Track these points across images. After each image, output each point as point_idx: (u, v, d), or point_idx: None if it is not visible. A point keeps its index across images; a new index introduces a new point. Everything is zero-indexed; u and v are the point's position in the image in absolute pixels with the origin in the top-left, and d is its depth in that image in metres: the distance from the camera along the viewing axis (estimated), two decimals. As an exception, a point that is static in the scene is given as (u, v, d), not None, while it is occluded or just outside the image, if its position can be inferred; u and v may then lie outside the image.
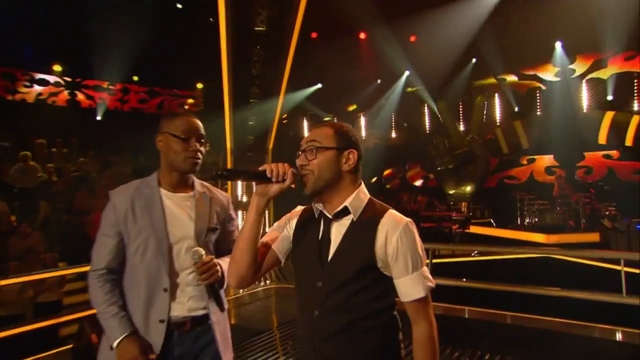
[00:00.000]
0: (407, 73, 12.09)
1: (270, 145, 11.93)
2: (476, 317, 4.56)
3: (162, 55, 10.49)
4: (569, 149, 9.72)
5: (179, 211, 1.64)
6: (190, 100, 13.28)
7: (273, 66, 9.06)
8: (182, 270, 1.60)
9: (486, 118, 10.94)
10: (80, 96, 11.75)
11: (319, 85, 13.20)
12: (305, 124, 14.36)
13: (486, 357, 3.41)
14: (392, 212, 1.29)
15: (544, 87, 10.54)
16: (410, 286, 1.25)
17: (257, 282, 6.89)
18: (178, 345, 1.58)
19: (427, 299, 1.26)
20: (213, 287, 1.58)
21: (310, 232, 1.34)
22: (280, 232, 1.39)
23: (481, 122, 10.89)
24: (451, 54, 10.31)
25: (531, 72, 10.71)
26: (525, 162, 10.99)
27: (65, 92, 11.44)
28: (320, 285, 1.27)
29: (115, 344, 1.50)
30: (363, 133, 13.64)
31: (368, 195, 1.34)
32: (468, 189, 10.65)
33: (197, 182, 1.71)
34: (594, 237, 7.06)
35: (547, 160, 10.69)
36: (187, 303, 1.59)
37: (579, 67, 10.01)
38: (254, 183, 1.25)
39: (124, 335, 1.50)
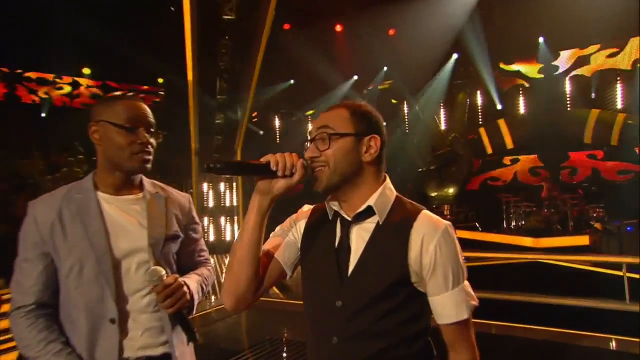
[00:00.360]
0: (385, 69, 12.12)
1: (239, 147, 11.68)
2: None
3: (118, 45, 10.04)
4: (553, 148, 9.98)
5: (125, 218, 1.38)
6: (156, 99, 12.84)
7: (243, 59, 8.84)
8: (134, 294, 1.33)
9: (469, 117, 11.07)
10: (20, 90, 11.10)
11: (292, 82, 13.04)
12: (277, 123, 14.16)
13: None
14: (427, 214, 1.13)
15: (527, 85, 10.80)
16: (451, 306, 1.09)
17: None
18: None
19: (469, 321, 1.11)
20: (181, 314, 1.33)
21: (323, 238, 1.18)
22: (285, 238, 1.23)
23: (463, 120, 11.04)
24: (432, 49, 10.40)
25: (514, 69, 10.97)
26: (508, 162, 11.21)
27: (2, 85, 10.77)
28: (339, 305, 1.10)
29: None
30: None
31: (395, 193, 1.18)
32: (451, 191, 10.75)
33: (147, 182, 1.48)
34: (584, 240, 7.22)
35: (531, 160, 10.95)
36: (140, 339, 1.33)
37: (563, 63, 10.33)
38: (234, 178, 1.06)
39: None
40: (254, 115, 11.65)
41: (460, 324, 1.10)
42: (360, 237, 1.13)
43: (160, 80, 12.35)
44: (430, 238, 1.08)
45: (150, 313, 1.35)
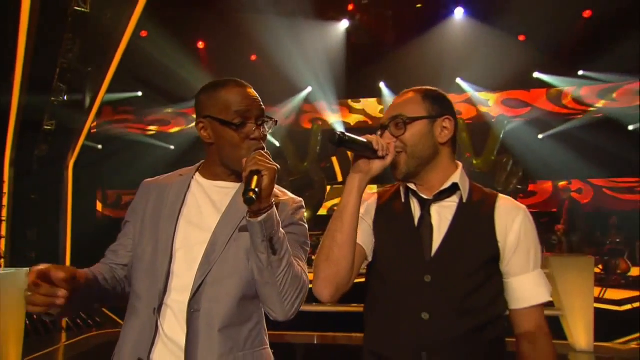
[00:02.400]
0: (243, 93, 12.11)
1: (72, 160, 10.00)
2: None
3: None
4: (391, 178, 11.45)
5: (205, 201, 1.24)
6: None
7: (93, 60, 7.66)
8: (181, 289, 1.16)
9: (321, 145, 11.80)
10: None
11: (139, 93, 11.90)
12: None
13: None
14: (505, 196, 1.19)
15: (370, 122, 12.20)
16: (532, 287, 1.12)
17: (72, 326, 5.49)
18: None
19: (543, 309, 1.16)
20: (252, 175, 1.04)
21: (400, 219, 1.18)
22: (360, 223, 1.19)
23: (316, 148, 11.73)
24: (289, 79, 10.93)
25: (360, 107, 12.32)
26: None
27: None
28: (428, 280, 1.09)
29: None
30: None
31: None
32: (306, 215, 11.19)
33: None
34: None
35: (374, 188, 12.30)
36: (168, 342, 1.14)
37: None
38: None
39: None
40: (93, 125, 10.15)
41: (539, 309, 1.13)
42: (442, 215, 1.14)
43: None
44: (515, 217, 1.13)
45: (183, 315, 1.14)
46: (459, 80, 11.34)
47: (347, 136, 1.04)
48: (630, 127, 10.43)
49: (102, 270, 1.21)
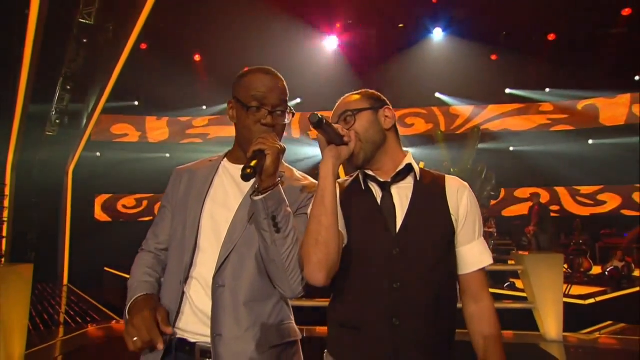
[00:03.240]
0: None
1: (72, 166, 9.84)
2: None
3: None
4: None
5: (231, 184, 1.23)
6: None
7: (94, 70, 7.58)
8: (206, 264, 1.16)
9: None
10: None
11: (136, 103, 11.80)
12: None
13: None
14: (451, 176, 1.25)
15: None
16: (479, 252, 1.18)
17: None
18: None
19: None
20: (256, 155, 1.04)
21: (363, 201, 1.19)
22: None
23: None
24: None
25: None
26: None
27: None
28: (397, 252, 1.11)
29: (127, 308, 1.12)
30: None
31: None
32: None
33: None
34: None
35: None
36: (197, 311, 1.14)
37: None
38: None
39: (141, 294, 1.14)
40: (92, 132, 10.01)
41: (483, 272, 1.19)
42: (401, 195, 1.17)
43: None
44: (462, 191, 1.20)
45: (208, 298, 1.14)
46: (438, 94, 11.57)
47: (326, 120, 1.06)
48: (590, 142, 10.78)
49: (154, 267, 1.23)
